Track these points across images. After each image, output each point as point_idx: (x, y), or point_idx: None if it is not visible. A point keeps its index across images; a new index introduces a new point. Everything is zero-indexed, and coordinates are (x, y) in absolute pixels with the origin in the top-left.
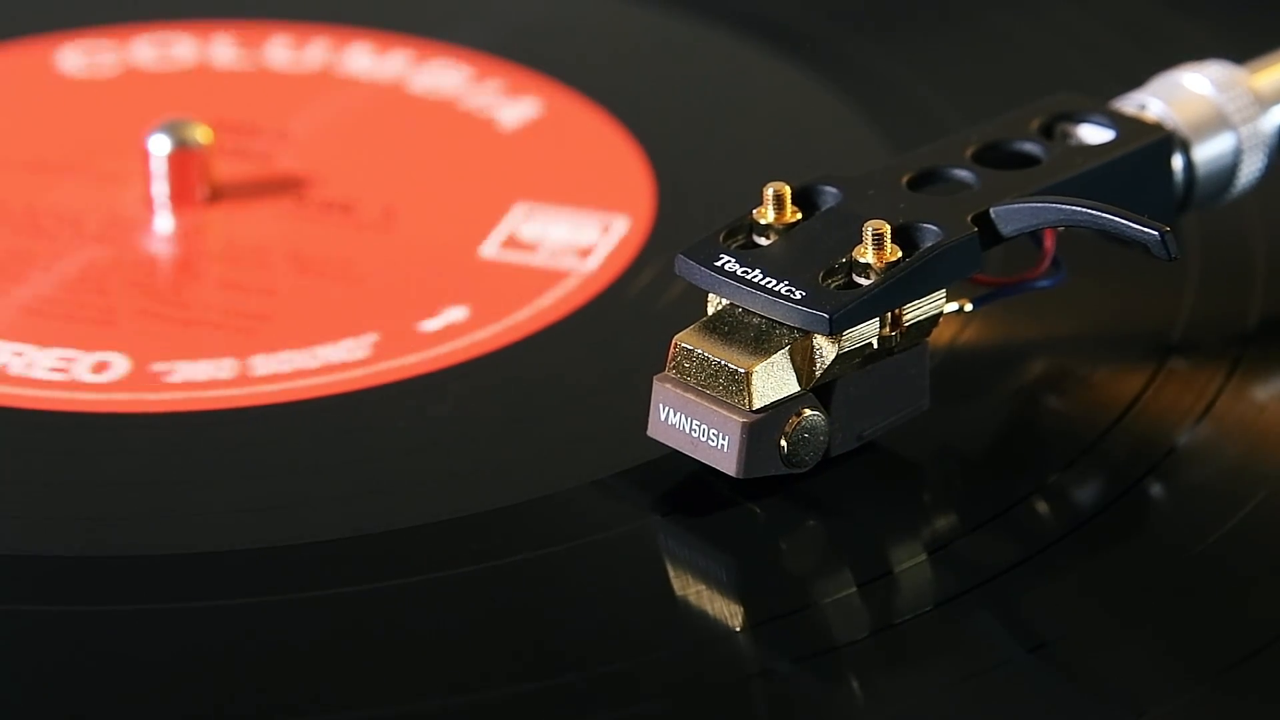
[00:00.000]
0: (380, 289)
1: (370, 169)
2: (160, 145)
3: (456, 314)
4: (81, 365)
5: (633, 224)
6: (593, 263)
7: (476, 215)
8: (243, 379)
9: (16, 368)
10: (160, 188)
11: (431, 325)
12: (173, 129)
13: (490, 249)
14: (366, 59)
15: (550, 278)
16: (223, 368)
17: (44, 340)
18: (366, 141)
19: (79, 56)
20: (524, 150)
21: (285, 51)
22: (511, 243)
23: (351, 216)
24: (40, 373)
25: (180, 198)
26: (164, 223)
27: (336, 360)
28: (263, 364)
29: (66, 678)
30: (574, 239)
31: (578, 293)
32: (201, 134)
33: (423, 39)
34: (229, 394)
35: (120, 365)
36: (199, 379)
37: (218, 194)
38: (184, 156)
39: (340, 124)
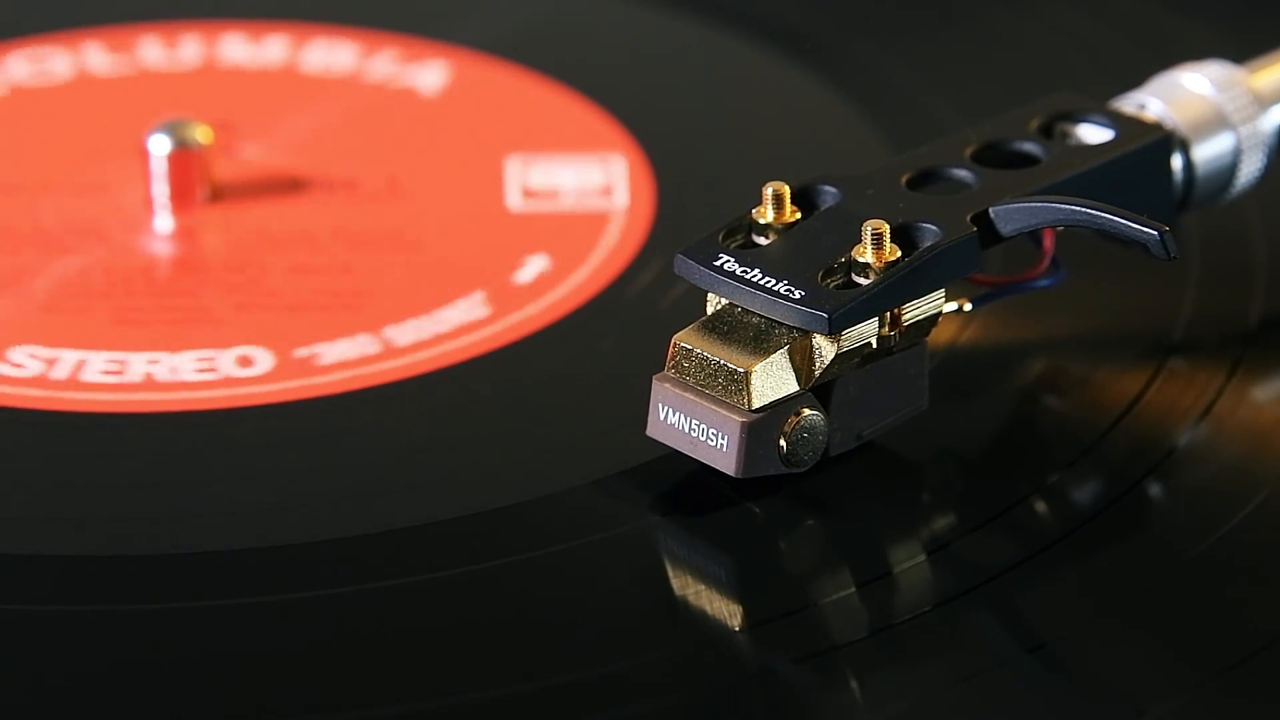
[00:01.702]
0: (449, 251)
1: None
2: (160, 145)
3: (539, 263)
4: (226, 361)
5: (629, 161)
6: (621, 199)
7: (480, 177)
8: (387, 353)
9: (163, 375)
10: (160, 187)
11: (525, 276)
12: (173, 129)
13: (514, 201)
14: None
15: (596, 219)
16: (363, 344)
17: (138, 346)
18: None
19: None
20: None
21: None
22: (530, 193)
23: (360, 193)
24: (189, 375)
25: (180, 198)
26: (164, 222)
27: (460, 321)
28: (399, 334)
29: (66, 677)
30: (585, 181)
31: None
32: (201, 134)
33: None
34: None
35: (264, 358)
36: (351, 357)
37: (218, 194)
38: (184, 156)
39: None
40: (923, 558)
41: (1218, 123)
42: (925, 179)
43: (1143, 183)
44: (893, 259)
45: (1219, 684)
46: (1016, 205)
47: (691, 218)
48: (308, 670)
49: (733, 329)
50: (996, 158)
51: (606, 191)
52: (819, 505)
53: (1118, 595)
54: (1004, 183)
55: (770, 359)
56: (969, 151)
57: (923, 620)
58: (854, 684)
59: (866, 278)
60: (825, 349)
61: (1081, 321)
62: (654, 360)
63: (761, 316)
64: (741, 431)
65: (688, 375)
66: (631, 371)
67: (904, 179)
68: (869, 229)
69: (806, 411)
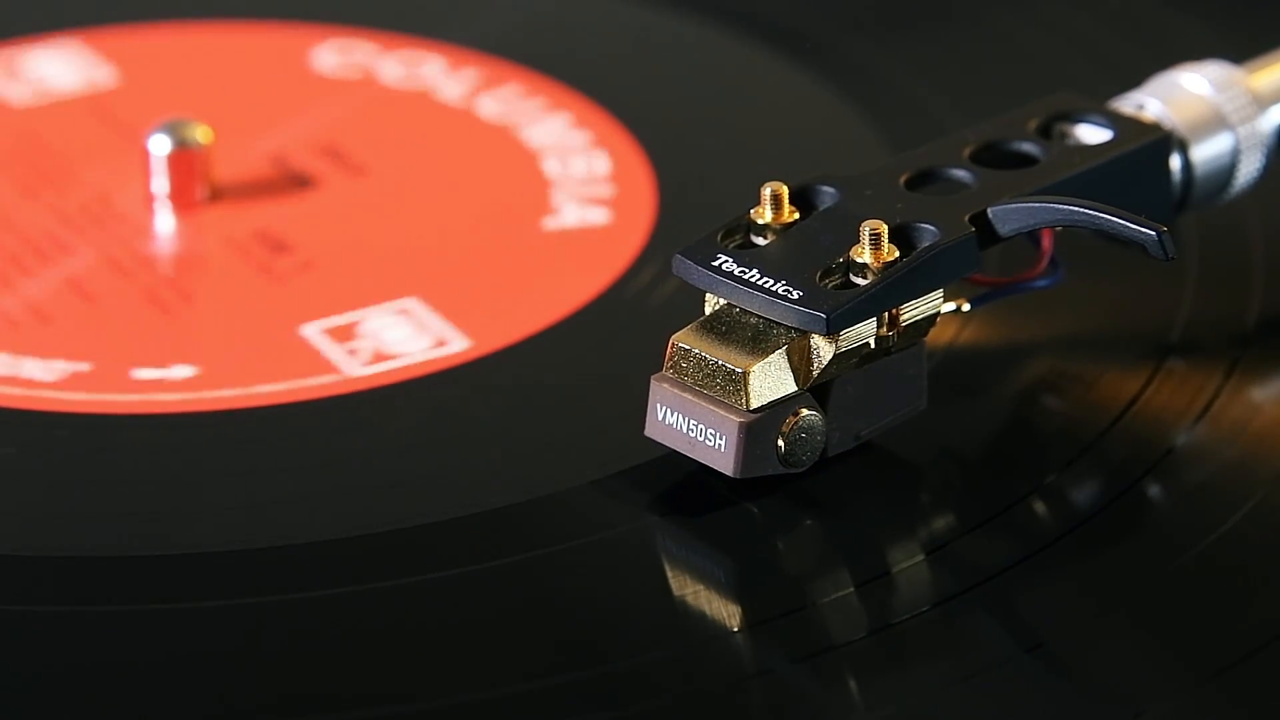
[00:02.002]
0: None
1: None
2: (160, 145)
3: (596, 214)
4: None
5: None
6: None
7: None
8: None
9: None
10: (160, 187)
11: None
12: (173, 129)
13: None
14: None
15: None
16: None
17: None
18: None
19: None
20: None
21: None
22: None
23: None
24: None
25: (180, 198)
26: (164, 222)
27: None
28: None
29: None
30: (585, 180)
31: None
32: (201, 134)
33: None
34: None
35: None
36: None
37: (217, 194)
38: (184, 156)
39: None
40: (921, 558)
41: (1216, 123)
42: (924, 179)
43: (1141, 183)
44: (891, 259)
45: (1218, 684)
46: (1015, 205)
47: (692, 218)
48: (308, 670)
49: (731, 329)
50: (995, 158)
51: (605, 192)
52: (817, 505)
53: (1116, 595)
54: (1002, 183)
55: (768, 359)
56: (967, 152)
57: (922, 620)
58: (853, 684)
59: (865, 278)
60: (823, 349)
61: (1080, 322)
62: (653, 360)
63: (760, 317)
64: (740, 432)
65: (686, 375)
66: (630, 371)
67: (902, 179)
68: (867, 229)
69: (805, 412)
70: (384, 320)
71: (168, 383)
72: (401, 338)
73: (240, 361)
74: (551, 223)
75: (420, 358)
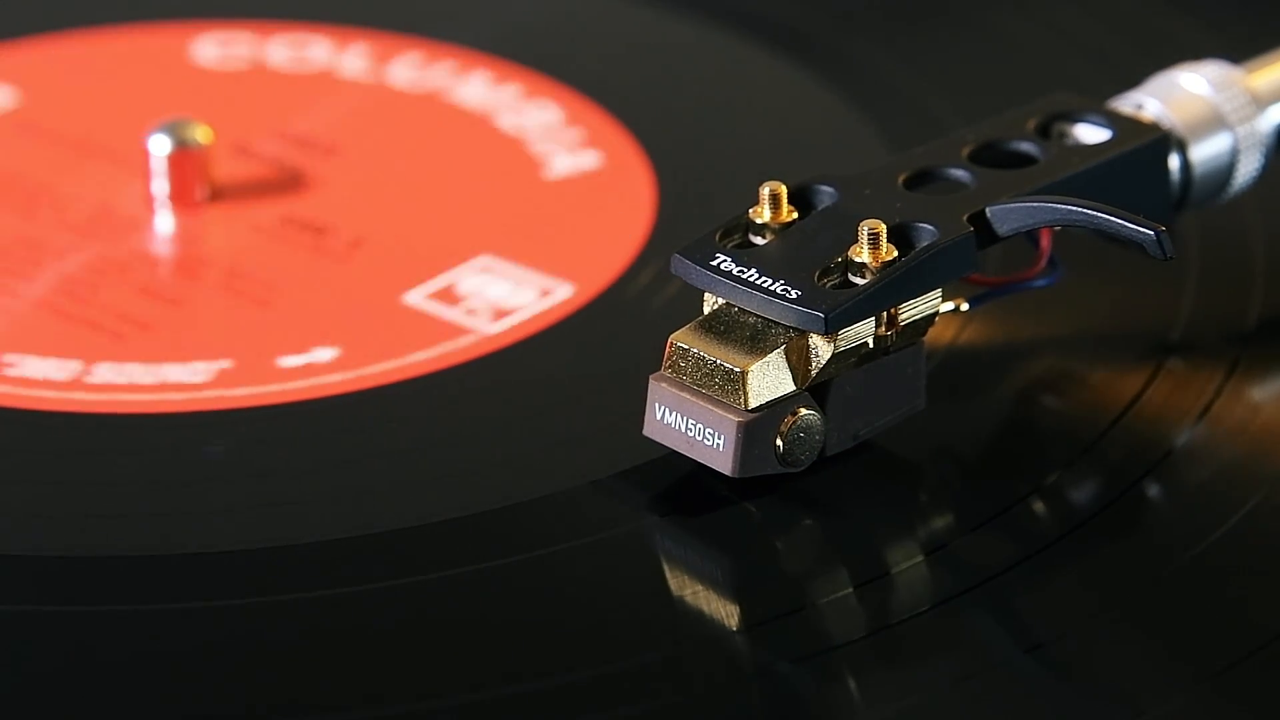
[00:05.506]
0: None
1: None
2: (160, 145)
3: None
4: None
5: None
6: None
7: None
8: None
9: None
10: (160, 187)
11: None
12: (173, 129)
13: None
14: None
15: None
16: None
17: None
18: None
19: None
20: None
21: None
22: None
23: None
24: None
25: (180, 197)
26: (164, 222)
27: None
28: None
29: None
30: (584, 180)
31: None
32: (201, 134)
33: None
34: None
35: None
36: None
37: (217, 194)
38: (184, 156)
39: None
40: (921, 558)
41: (1215, 123)
42: (922, 179)
43: (1140, 183)
44: (889, 259)
45: (1217, 683)
46: (1013, 205)
47: (692, 218)
48: (307, 670)
49: (729, 329)
50: (994, 158)
51: (604, 192)
52: (816, 505)
53: (1116, 595)
54: (1001, 183)
55: (767, 359)
56: (966, 151)
57: (921, 620)
58: (852, 684)
59: (863, 278)
60: (822, 349)
61: (1080, 321)
62: (651, 360)
63: (758, 316)
64: (738, 431)
65: (684, 375)
66: (629, 371)
67: (901, 179)
68: (866, 229)
69: (803, 411)
70: (477, 279)
71: (317, 366)
72: (505, 292)
73: (375, 336)
74: (554, 174)
75: (536, 308)
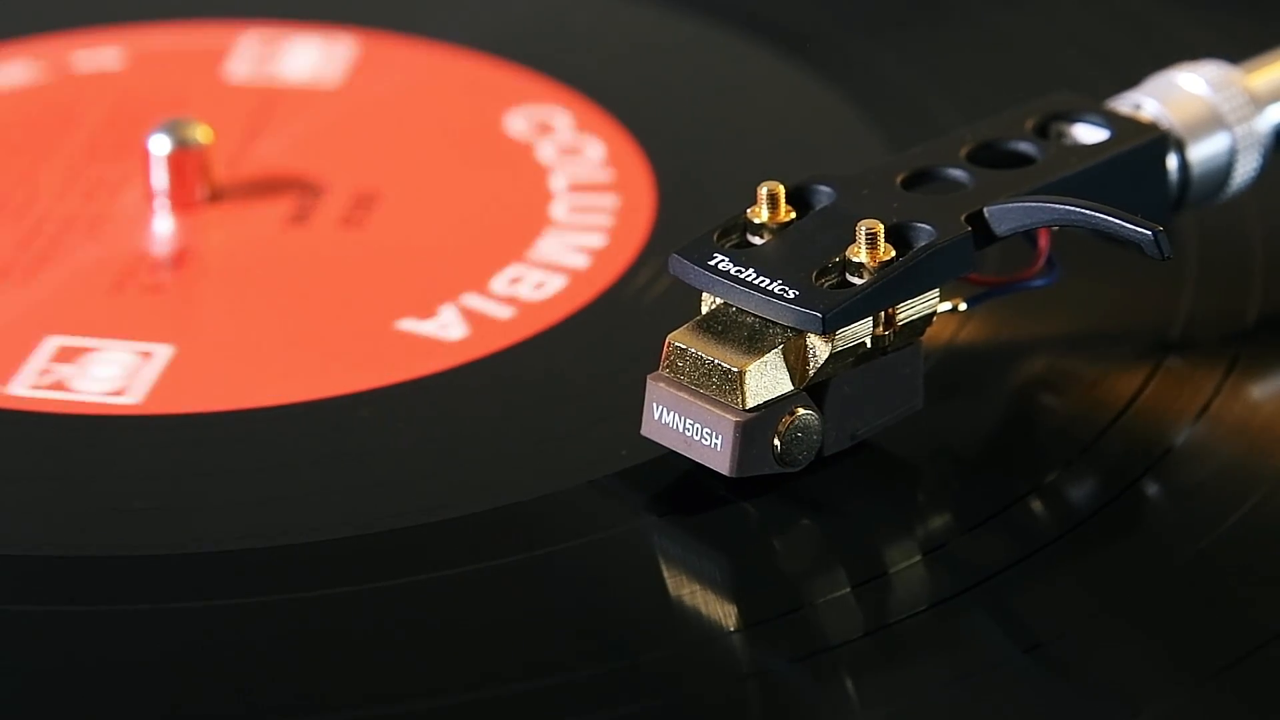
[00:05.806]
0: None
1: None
2: (160, 145)
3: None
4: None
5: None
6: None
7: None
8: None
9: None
10: (160, 186)
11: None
12: (173, 129)
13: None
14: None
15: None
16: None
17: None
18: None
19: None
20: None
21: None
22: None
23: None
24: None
25: (180, 197)
26: (164, 222)
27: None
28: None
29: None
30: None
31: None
32: (201, 134)
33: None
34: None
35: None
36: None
37: (217, 194)
38: (184, 156)
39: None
40: (919, 557)
41: (1213, 123)
42: (920, 179)
43: (1138, 183)
44: (887, 259)
45: (1217, 683)
46: (1011, 205)
47: (692, 218)
48: (307, 670)
49: (727, 328)
50: (992, 157)
51: (602, 192)
52: (814, 505)
53: (1115, 594)
54: (999, 182)
55: (764, 358)
56: (964, 151)
57: (919, 620)
58: (849, 684)
59: (861, 277)
60: (820, 349)
61: (1078, 320)
62: (650, 360)
63: (756, 316)
64: (736, 431)
65: (682, 375)
66: (628, 371)
67: (899, 179)
68: (863, 229)
69: (801, 411)
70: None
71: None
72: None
73: (240, 362)
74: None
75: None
